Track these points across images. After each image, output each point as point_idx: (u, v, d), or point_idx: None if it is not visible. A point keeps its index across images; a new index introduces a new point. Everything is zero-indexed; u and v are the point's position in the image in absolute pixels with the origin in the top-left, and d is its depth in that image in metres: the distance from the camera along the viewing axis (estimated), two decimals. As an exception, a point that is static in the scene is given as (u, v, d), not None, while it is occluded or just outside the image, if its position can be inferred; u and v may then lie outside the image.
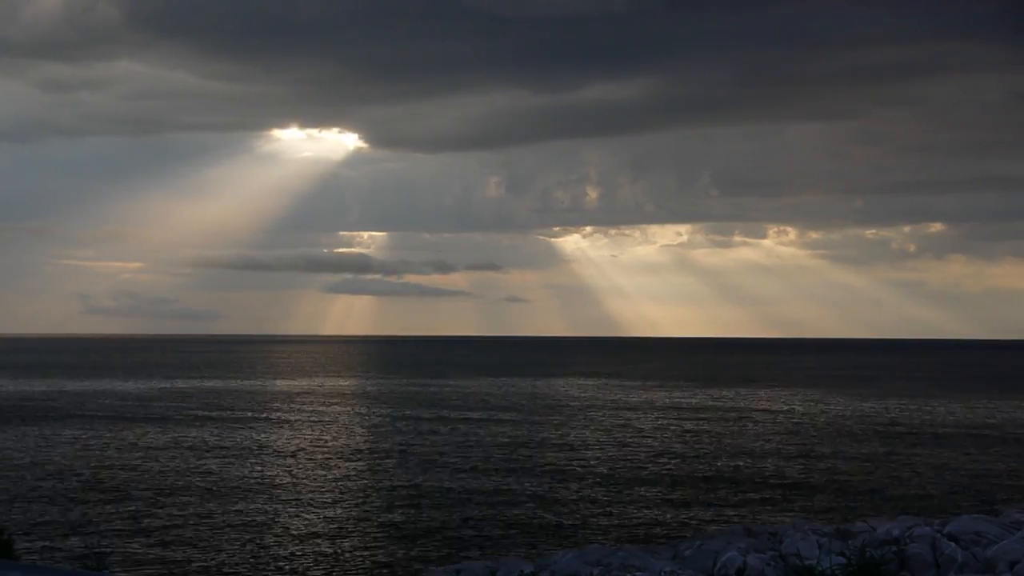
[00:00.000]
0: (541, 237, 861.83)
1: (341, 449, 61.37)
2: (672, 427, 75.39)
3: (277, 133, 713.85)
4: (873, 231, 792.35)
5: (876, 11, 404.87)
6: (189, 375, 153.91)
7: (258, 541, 35.75)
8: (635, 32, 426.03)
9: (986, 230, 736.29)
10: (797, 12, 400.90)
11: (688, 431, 72.46)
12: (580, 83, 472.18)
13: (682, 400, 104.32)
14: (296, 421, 79.69)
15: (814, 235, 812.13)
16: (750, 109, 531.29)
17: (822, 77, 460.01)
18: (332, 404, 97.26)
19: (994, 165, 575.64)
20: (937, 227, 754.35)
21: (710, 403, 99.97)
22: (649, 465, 54.56)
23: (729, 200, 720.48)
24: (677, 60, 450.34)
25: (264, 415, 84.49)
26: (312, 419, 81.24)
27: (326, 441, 65.72)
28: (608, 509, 41.77)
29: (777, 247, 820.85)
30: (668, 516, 40.40)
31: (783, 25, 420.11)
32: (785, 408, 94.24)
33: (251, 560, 33.10)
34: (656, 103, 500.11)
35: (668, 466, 54.24)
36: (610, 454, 59.26)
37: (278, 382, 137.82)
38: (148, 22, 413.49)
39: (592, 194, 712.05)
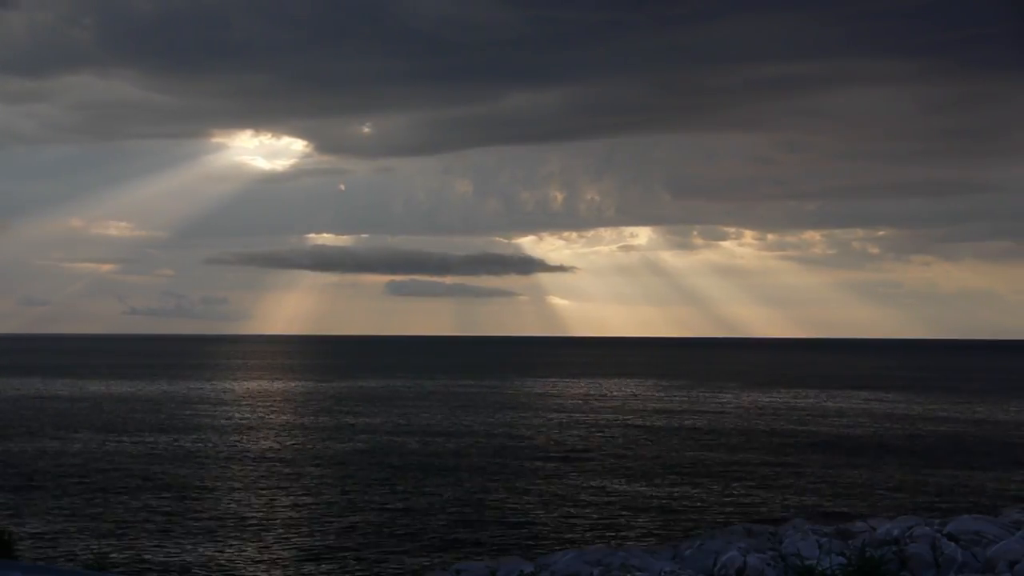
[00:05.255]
0: (497, 239, 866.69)
1: (336, 450, 61.38)
2: (669, 426, 75.38)
3: (228, 140, 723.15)
4: (820, 234, 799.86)
5: (787, 29, 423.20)
6: (172, 376, 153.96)
7: (259, 542, 35.75)
8: (562, 51, 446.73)
9: (939, 233, 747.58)
10: (716, 30, 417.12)
11: (686, 430, 72.46)
12: (519, 95, 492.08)
13: (676, 399, 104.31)
14: (283, 425, 79.77)
15: (771, 237, 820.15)
16: (675, 120, 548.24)
17: (741, 89, 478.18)
18: (319, 406, 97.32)
19: (919, 171, 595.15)
20: (885, 231, 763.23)
21: (705, 402, 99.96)
22: (648, 464, 54.57)
23: (681, 204, 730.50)
24: (607, 74, 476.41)
25: (262, 418, 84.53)
26: (304, 422, 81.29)
27: (322, 443, 65.74)
28: (608, 509, 41.78)
29: (738, 248, 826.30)
30: (668, 516, 40.41)
31: (702, 42, 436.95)
32: (783, 407, 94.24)
33: (251, 561, 33.10)
34: (586, 112, 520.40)
35: (667, 465, 54.24)
36: (608, 454, 59.26)
37: (257, 384, 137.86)
38: (109, 42, 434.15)
39: (549, 197, 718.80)
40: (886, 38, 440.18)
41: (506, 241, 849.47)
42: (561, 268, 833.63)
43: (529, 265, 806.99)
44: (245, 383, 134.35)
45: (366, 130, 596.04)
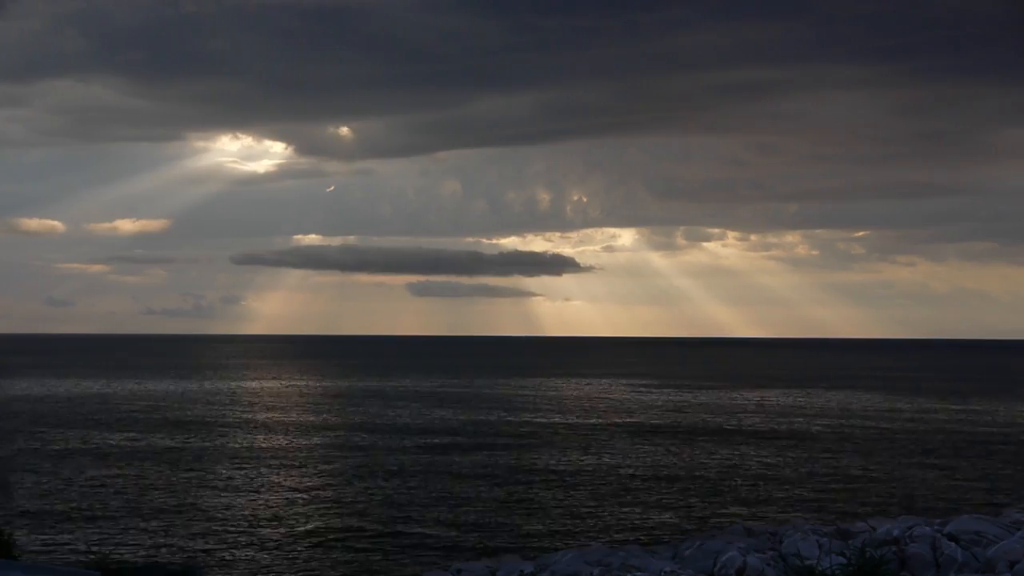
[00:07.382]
0: (484, 240, 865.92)
1: (337, 451, 61.38)
2: (670, 426, 75.36)
3: (209, 143, 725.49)
4: (802, 235, 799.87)
5: (757, 35, 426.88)
6: (171, 375, 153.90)
7: (260, 542, 35.75)
8: (539, 57, 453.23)
9: (921, 234, 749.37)
10: (688, 37, 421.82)
11: (686, 430, 72.44)
12: (497, 99, 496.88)
13: (677, 400, 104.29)
14: (288, 424, 79.81)
15: (754, 238, 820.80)
16: (649, 124, 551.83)
17: (713, 94, 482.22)
18: (315, 407, 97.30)
19: (894, 174, 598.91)
20: (865, 232, 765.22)
21: (705, 403, 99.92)
22: (648, 464, 54.56)
23: (664, 205, 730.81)
24: (582, 79, 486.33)
25: (264, 419, 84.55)
26: (303, 421, 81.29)
27: (323, 444, 65.75)
28: (608, 509, 41.77)
29: (723, 249, 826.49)
30: (668, 516, 40.41)
31: (674, 49, 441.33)
32: (782, 407, 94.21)
33: (252, 562, 33.09)
34: (562, 116, 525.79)
35: (667, 466, 54.23)
36: (608, 454, 59.25)
37: (255, 384, 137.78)
38: (92, 49, 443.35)
39: (534, 199, 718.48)
40: (854, 42, 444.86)
41: (488, 242, 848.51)
42: (591, 268, 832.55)
43: (560, 265, 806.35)
44: (247, 383, 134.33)
45: (344, 132, 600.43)
